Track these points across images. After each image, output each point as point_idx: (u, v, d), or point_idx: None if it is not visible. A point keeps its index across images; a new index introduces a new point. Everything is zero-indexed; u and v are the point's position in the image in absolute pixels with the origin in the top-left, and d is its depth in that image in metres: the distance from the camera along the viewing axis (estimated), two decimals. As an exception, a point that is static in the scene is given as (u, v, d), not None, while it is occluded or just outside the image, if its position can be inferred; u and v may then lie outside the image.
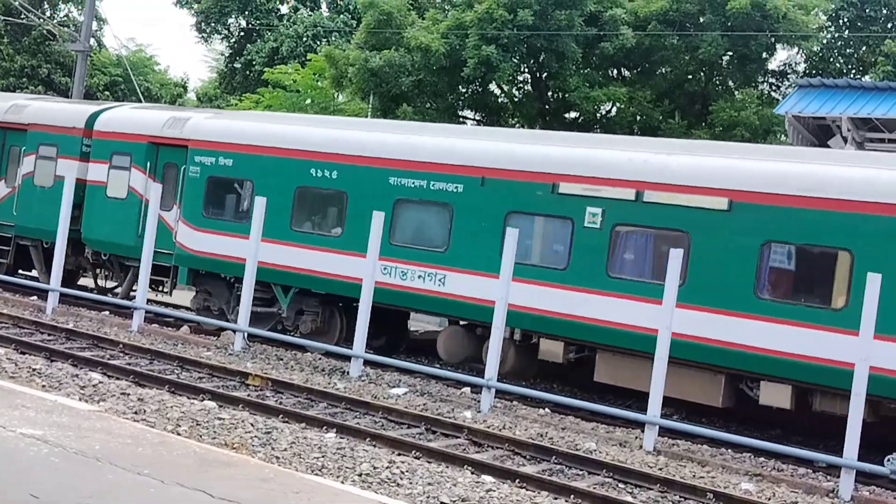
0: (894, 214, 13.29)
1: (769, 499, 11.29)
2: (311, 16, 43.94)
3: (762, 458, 13.45)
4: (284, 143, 18.62)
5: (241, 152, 18.93)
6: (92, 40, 37.11)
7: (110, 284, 22.64)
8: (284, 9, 46.40)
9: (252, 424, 11.61)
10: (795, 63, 29.87)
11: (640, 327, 14.50)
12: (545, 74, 29.44)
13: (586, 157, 15.88)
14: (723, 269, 14.32)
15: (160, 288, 20.77)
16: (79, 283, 23.34)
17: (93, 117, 21.50)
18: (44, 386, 12.36)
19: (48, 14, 46.68)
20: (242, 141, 19.02)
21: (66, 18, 47.99)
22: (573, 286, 14.92)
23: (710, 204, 14.48)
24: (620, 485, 11.45)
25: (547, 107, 30.51)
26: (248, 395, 13.69)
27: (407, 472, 10.29)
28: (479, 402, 14.70)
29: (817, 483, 12.41)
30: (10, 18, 41.79)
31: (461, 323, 17.12)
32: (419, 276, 16.61)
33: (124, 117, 21.27)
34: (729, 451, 13.70)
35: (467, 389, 15.81)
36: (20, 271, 23.51)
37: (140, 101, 36.39)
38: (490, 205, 16.27)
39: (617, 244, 15.30)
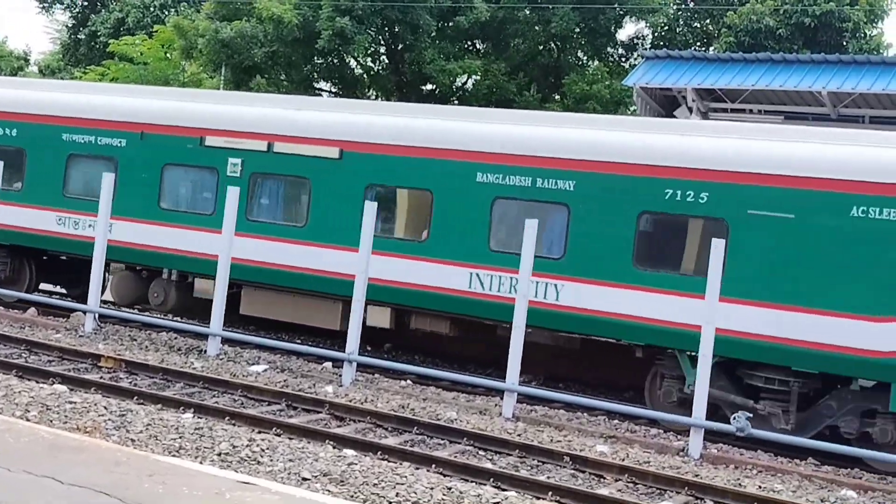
0: (465, 160, 15.20)
1: (623, 459, 11.65)
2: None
3: (616, 421, 13.89)
4: None
5: None
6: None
7: None
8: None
9: (105, 407, 11.26)
10: (643, 36, 30.67)
11: (276, 264, 16.25)
12: (401, 47, 29.41)
13: (227, 113, 17.29)
14: (336, 210, 16.02)
15: None
16: None
17: None
18: None
19: None
20: None
21: None
22: (219, 229, 15.76)
23: (325, 153, 16.17)
24: (481, 452, 11.62)
25: (404, 79, 30.50)
26: (101, 378, 13.27)
27: (267, 449, 10.19)
28: (340, 376, 14.66)
29: (668, 443, 12.88)
30: None
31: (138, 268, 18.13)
32: (90, 225, 17.33)
33: None
34: (585, 414, 14.09)
35: (329, 364, 15.75)
36: None
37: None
38: (148, 158, 17.52)
39: (254, 191, 16.78)
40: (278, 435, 11.17)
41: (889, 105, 19.73)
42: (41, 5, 46.81)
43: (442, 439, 11.92)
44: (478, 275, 14.93)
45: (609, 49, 30.65)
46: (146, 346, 15.87)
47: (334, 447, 10.85)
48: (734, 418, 12.40)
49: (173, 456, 9.47)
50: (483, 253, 14.97)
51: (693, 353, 13.08)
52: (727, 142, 14.05)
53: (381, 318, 15.88)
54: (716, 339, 12.41)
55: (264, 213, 16.64)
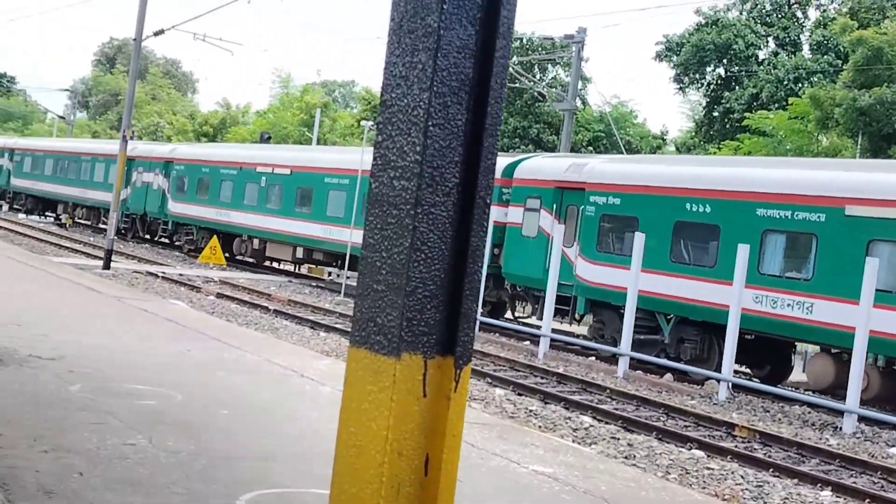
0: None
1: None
2: (791, 59, 42.82)
3: None
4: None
5: None
6: (577, 100, 39.12)
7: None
8: (763, 54, 45.70)
9: (742, 476, 11.45)
10: None
11: None
12: None
13: None
14: None
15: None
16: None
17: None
18: (540, 426, 13.13)
19: (538, 77, 50.06)
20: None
21: (553, 80, 51.14)
22: None
23: None
24: None
25: None
26: (736, 447, 13.47)
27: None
28: None
29: None
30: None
31: None
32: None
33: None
34: None
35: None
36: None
37: (622, 153, 37.65)
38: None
39: None
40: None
41: None
42: (679, 87, 49.62)
43: None
44: None
45: None
46: (779, 419, 15.82)
47: None
48: None
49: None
50: None
51: None
52: None
53: None
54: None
55: None
